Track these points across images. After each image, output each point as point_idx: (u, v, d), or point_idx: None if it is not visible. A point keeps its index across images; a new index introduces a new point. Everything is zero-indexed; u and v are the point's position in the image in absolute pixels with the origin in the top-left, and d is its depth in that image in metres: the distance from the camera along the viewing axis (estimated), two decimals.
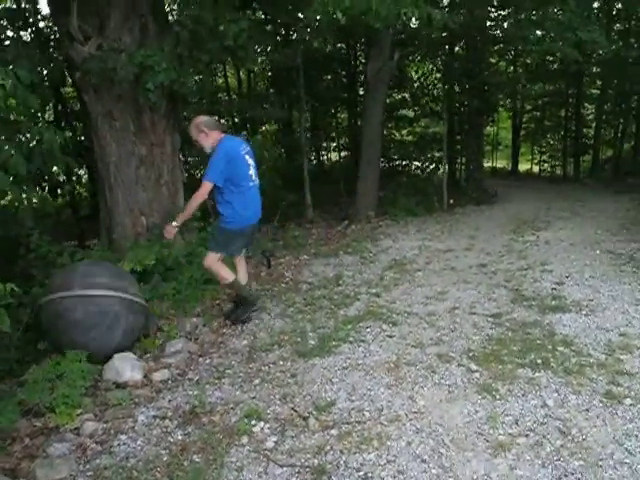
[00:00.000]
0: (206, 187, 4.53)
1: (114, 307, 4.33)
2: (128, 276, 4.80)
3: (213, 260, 4.84)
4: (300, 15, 8.21)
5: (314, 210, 10.55)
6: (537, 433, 3.07)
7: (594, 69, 17.43)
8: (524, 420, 3.20)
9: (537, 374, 3.73)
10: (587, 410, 3.28)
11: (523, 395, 3.47)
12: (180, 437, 3.32)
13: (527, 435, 3.06)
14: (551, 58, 16.38)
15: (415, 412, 3.36)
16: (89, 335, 4.24)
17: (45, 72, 7.50)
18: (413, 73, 16.52)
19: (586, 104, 19.84)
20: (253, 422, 3.39)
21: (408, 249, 7.51)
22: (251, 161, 4.77)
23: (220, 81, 15.61)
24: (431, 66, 16.26)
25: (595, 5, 15.22)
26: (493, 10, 13.00)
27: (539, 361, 3.91)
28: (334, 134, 17.05)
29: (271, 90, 15.00)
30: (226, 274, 4.89)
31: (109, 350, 4.29)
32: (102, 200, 6.40)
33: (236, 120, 15.11)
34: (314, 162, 17.14)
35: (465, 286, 5.82)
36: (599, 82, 18.46)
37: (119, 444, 3.29)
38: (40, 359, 4.19)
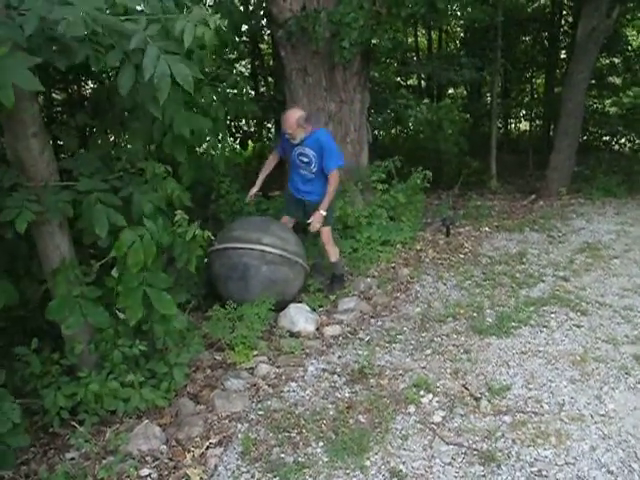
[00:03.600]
0: (337, 174, 4.66)
1: (242, 259, 4.39)
2: (276, 229, 4.69)
3: (330, 234, 4.90)
4: None
5: (498, 181, 9.95)
6: None
7: None
8: None
9: None
10: None
11: None
12: (347, 394, 3.36)
13: None
14: None
15: (603, 415, 3.01)
16: (227, 287, 4.45)
17: (246, 27, 7.88)
18: (630, 33, 14.58)
19: None
20: (422, 392, 3.32)
21: (604, 232, 6.74)
22: None
23: (410, 40, 15.25)
24: None
25: None
26: None
27: None
28: (527, 100, 15.84)
29: (462, 52, 14.30)
30: (337, 252, 5.03)
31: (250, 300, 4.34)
32: None
33: (422, 82, 14.74)
34: (502, 130, 16.16)
35: None
36: None
37: (289, 390, 3.42)
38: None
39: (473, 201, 8.08)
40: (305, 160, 4.66)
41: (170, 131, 3.19)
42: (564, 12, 14.21)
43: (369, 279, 5.22)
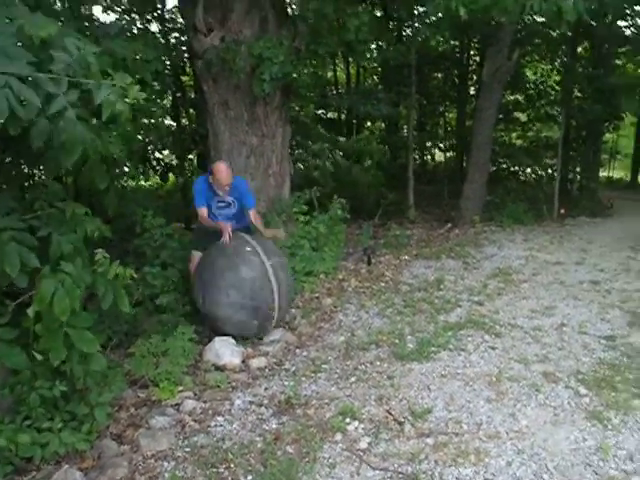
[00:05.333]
0: None
1: None
2: None
3: None
4: (419, 9, 8.04)
5: (416, 210, 10.38)
6: None
7: None
8: None
9: None
10: None
11: None
12: (274, 426, 3.36)
13: None
14: None
15: (517, 431, 3.19)
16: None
17: (168, 62, 7.90)
18: (530, 74, 15.77)
19: None
20: (347, 420, 3.37)
21: (514, 258, 7.18)
22: None
23: (329, 75, 15.73)
24: (549, 67, 15.44)
25: None
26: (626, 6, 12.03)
27: None
28: (441, 133, 16.68)
29: (380, 87, 14.91)
30: None
31: None
32: None
33: (342, 116, 15.19)
34: (418, 161, 16.88)
35: (575, 302, 5.47)
36: None
37: (216, 425, 3.39)
38: (147, 334, 4.42)
39: (393, 230, 8.36)
40: (224, 205, 4.92)
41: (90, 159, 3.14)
42: (472, 52, 15.15)
43: (293, 310, 5.28)
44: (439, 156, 17.91)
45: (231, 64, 5.66)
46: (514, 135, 16.25)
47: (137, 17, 9.04)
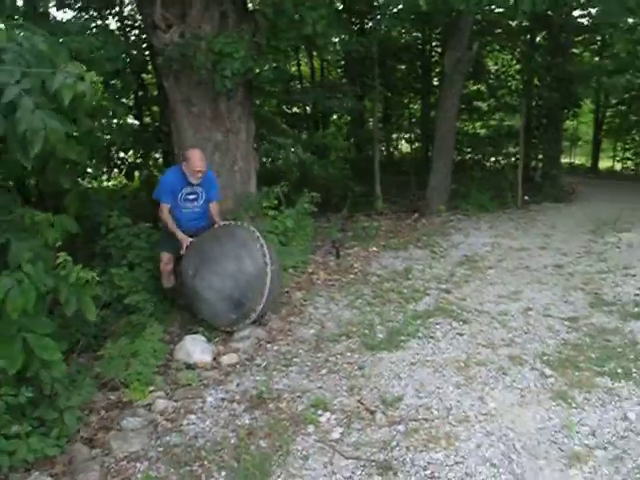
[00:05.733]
0: None
1: None
2: None
3: None
4: (380, 0, 8.07)
5: (383, 202, 10.46)
6: (617, 447, 2.91)
7: None
8: (602, 432, 3.05)
9: (617, 384, 3.54)
10: None
11: (602, 405, 3.31)
12: (247, 421, 3.37)
13: (605, 448, 2.91)
14: None
15: (485, 414, 3.27)
16: None
17: (129, 59, 7.79)
18: (491, 64, 16.00)
19: None
20: (319, 412, 3.40)
21: (480, 245, 7.31)
22: None
23: (293, 69, 15.68)
24: (510, 57, 15.69)
25: None
26: None
27: (619, 370, 3.70)
28: (406, 124, 16.81)
29: (344, 80, 14.94)
30: None
31: None
32: None
33: (308, 110, 15.16)
34: (384, 153, 16.98)
35: (540, 287, 5.61)
36: None
37: (188, 423, 3.38)
38: (116, 336, 4.38)
39: (361, 222, 8.43)
40: (192, 197, 4.86)
41: (52, 158, 3.09)
42: (434, 43, 15.27)
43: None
44: (406, 147, 18.04)
45: (192, 60, 5.61)
46: (478, 125, 16.48)
47: (96, 14, 8.88)
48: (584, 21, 13.50)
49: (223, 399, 3.68)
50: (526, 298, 5.26)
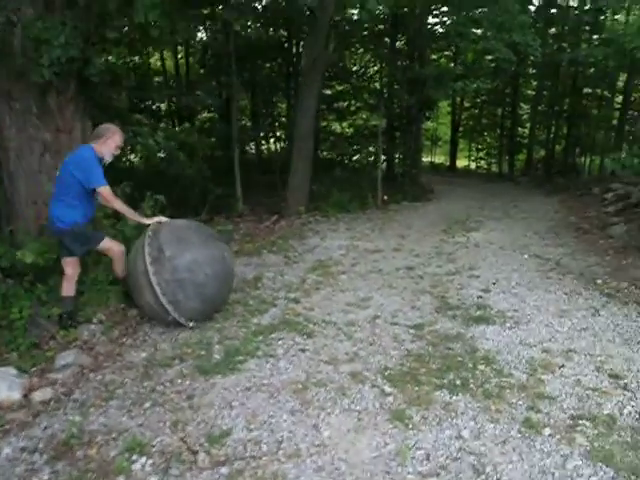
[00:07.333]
0: None
1: None
2: None
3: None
4: None
5: (247, 203, 10.07)
6: (449, 471, 2.76)
7: (530, 70, 17.64)
8: (436, 455, 2.89)
9: (454, 398, 3.44)
10: (504, 442, 2.99)
11: (438, 424, 3.16)
12: (46, 477, 2.83)
13: (438, 474, 2.74)
14: (490, 57, 16.45)
15: (318, 445, 2.99)
16: None
17: None
18: (353, 65, 16.22)
19: (522, 104, 20.14)
20: (134, 457, 2.93)
21: (335, 249, 7.16)
22: None
23: (158, 64, 14.86)
24: (371, 58, 15.98)
25: (532, 8, 15.41)
26: (437, 6, 12.87)
27: (458, 382, 3.62)
28: (274, 123, 16.54)
29: (206, 77, 14.33)
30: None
31: None
32: (1, 190, 5.75)
33: (172, 107, 14.39)
34: (253, 152, 16.61)
35: (389, 291, 5.53)
36: (534, 83, 18.75)
37: None
38: None
39: (216, 225, 7.96)
40: None
41: None
42: (301, 43, 15.14)
43: (94, 325, 4.67)
44: (275, 146, 17.80)
45: (8, 47, 4.88)
46: (344, 125, 16.64)
47: None
48: (438, 28, 14.09)
49: (23, 449, 3.08)
50: (375, 305, 5.14)
